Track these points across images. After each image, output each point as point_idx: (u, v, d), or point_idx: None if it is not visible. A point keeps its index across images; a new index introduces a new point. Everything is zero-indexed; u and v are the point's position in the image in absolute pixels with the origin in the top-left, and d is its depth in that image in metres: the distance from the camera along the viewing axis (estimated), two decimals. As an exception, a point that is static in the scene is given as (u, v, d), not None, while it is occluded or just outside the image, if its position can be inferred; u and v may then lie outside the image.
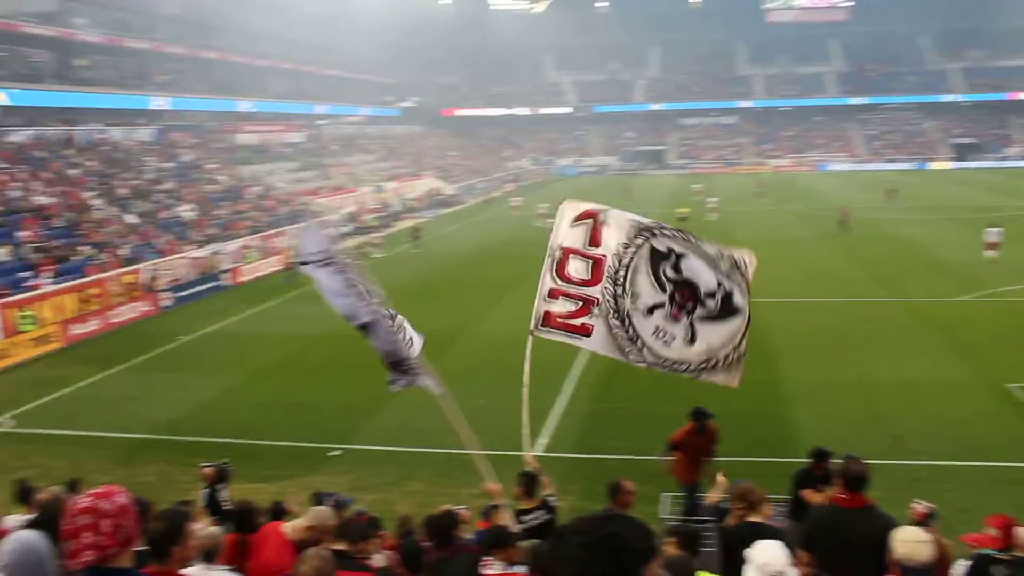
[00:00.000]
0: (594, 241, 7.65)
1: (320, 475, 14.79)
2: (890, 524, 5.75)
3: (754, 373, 18.88)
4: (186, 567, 4.24)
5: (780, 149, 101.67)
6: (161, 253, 34.07)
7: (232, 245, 38.07)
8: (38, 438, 17.72)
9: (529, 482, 8.51)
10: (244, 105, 67.10)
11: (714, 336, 7.59)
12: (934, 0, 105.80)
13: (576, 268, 7.70)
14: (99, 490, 3.32)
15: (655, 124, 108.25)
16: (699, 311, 7.46)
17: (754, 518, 6.89)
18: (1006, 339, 22.26)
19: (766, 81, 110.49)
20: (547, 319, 7.93)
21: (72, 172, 39.98)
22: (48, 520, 4.64)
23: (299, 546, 6.03)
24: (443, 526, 7.06)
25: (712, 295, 7.43)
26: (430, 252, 40.83)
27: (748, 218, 49.73)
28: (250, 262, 37.62)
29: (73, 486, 10.84)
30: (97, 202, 37.33)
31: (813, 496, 9.26)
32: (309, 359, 23.11)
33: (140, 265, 31.75)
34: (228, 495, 11.08)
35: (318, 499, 9.91)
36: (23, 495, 9.17)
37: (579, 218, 7.71)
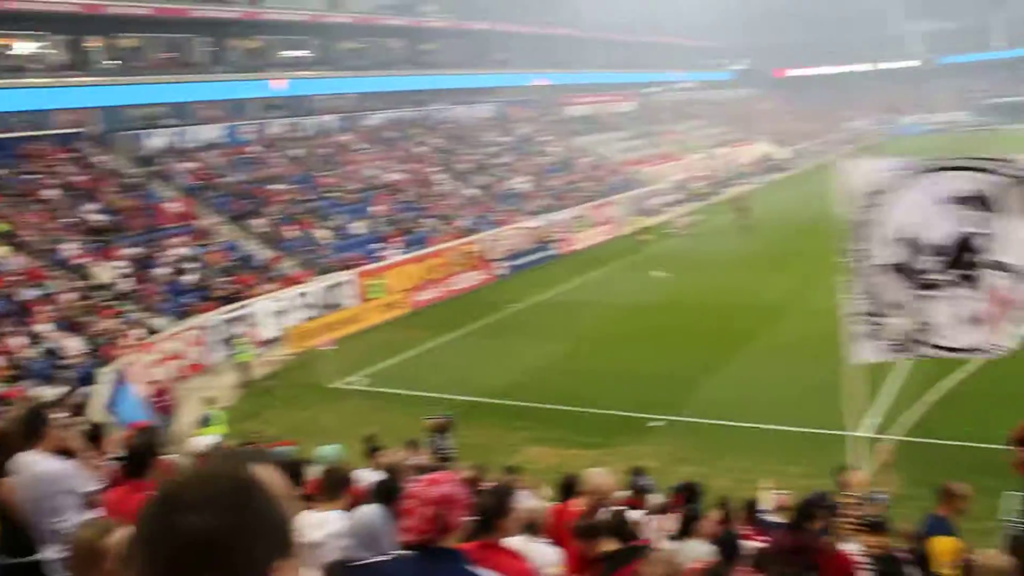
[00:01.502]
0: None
1: (641, 445, 14.79)
2: None
3: None
4: (509, 539, 4.37)
5: None
6: (497, 224, 35.70)
7: (564, 215, 39.07)
8: (385, 396, 19.24)
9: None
10: (575, 78, 68.53)
11: None
12: None
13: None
14: (431, 476, 3.58)
15: (1015, 72, 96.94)
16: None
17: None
18: None
19: None
20: None
21: (419, 150, 42.95)
22: (388, 489, 5.06)
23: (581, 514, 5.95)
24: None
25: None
26: (757, 221, 39.15)
27: None
28: (580, 231, 38.40)
29: (413, 445, 11.68)
30: (440, 177, 39.85)
31: None
32: (637, 328, 23.18)
33: (478, 235, 33.47)
34: (451, 443, 12.65)
35: (632, 478, 9.88)
36: (371, 452, 9.99)
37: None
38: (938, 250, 6.58)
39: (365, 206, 33.56)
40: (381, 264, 28.84)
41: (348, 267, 27.88)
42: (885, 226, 6.50)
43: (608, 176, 49.62)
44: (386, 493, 5.10)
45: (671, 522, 7.52)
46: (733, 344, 20.46)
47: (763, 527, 8.12)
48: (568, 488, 7.17)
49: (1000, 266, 6.46)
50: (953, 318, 6.63)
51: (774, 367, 18.20)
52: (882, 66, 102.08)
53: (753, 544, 6.87)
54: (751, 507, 8.82)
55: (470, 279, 30.96)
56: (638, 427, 15.85)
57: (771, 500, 9.46)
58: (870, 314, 6.70)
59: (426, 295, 28.90)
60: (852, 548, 6.55)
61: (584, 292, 28.99)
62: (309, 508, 5.09)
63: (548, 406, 17.35)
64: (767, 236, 35.18)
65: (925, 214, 6.53)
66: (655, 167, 54.52)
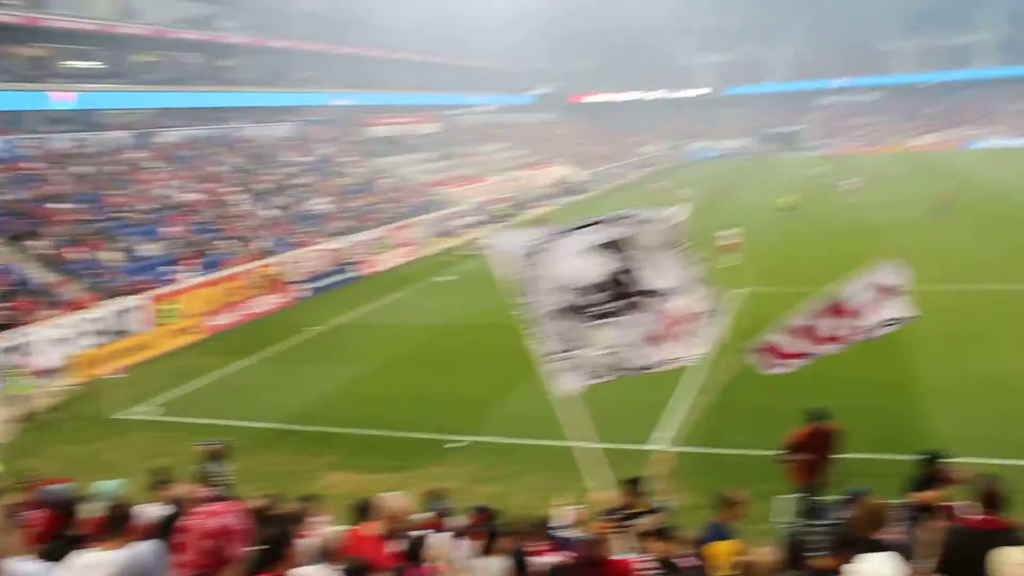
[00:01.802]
0: (868, 312, 8.25)
1: (441, 467, 15.03)
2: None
3: (883, 368, 18.41)
4: (298, 569, 4.41)
5: (923, 126, 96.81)
6: (297, 245, 35.25)
7: (365, 236, 39.03)
8: (179, 426, 18.63)
9: (636, 486, 8.44)
10: (378, 98, 68.58)
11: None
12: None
13: (831, 326, 8.25)
14: (210, 507, 3.53)
15: (792, 104, 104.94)
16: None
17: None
18: None
19: (910, 54, 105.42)
20: (768, 349, 8.57)
21: (216, 169, 41.81)
22: (165, 523, 4.99)
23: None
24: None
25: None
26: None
27: (890, 200, 47.58)
28: (381, 253, 38.47)
29: (203, 476, 11.46)
30: (238, 197, 38.92)
31: (926, 497, 8.83)
32: (436, 349, 23.50)
33: (277, 257, 32.94)
34: (226, 470, 12.30)
35: (431, 501, 10.08)
36: (158, 486, 9.69)
37: (880, 289, 8.24)
38: (597, 287, 7.54)
39: (157, 227, 32.34)
40: (175, 288, 27.85)
41: (139, 291, 26.77)
42: (544, 279, 7.36)
43: (409, 197, 49.94)
44: (163, 528, 5.01)
45: (470, 542, 7.73)
46: (530, 362, 21.02)
47: (558, 542, 8.45)
48: (362, 512, 7.28)
49: (653, 292, 7.49)
50: (633, 341, 7.56)
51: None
52: (674, 94, 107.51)
53: (546, 560, 7.17)
54: (545, 523, 9.16)
55: (269, 302, 30.41)
56: (438, 449, 16.08)
57: (566, 515, 9.84)
58: (561, 351, 7.49)
59: (223, 319, 28.15)
60: (634, 556, 6.96)
61: (384, 314, 29.08)
62: (87, 547, 4.97)
63: (349, 431, 17.34)
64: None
65: (575, 263, 7.53)
66: (457, 189, 55.29)
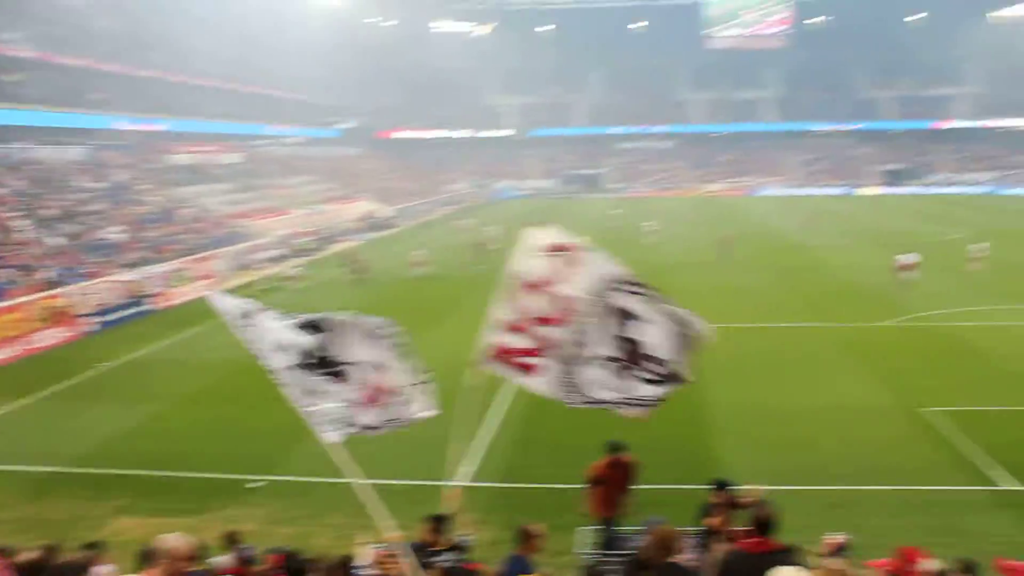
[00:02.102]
0: (563, 277, 7.17)
1: (239, 508, 14.56)
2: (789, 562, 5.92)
3: (678, 399, 19.27)
4: None
5: (715, 173, 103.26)
6: (87, 276, 33.40)
7: (161, 268, 37.45)
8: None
9: (439, 523, 8.50)
10: (180, 125, 66.20)
11: (642, 389, 7.29)
12: (866, 29, 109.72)
13: (538, 304, 7.25)
14: None
15: (593, 147, 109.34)
16: (639, 372, 7.16)
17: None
18: (922, 362, 22.87)
19: (703, 106, 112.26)
20: (496, 353, 7.57)
21: (-4, 192, 39.14)
22: None
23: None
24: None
25: (658, 362, 7.09)
26: (367, 276, 40.46)
27: (685, 242, 50.26)
28: (179, 286, 37.00)
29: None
30: (22, 223, 36.53)
31: (713, 522, 9.41)
32: (234, 386, 22.73)
33: (64, 289, 31.08)
34: None
35: (229, 544, 9.78)
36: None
37: (551, 249, 7.23)
38: (313, 349, 7.37)
39: (-72, 253, 29.93)
40: (-54, 320, 25.80)
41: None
42: (265, 340, 7.27)
43: (211, 229, 48.36)
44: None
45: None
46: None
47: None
48: (147, 558, 7.00)
49: (358, 363, 7.45)
50: (354, 401, 7.46)
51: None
52: (480, 134, 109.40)
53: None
54: (346, 563, 9.06)
55: (53, 336, 28.59)
56: (236, 489, 15.58)
57: (368, 555, 9.76)
58: (307, 403, 7.35)
59: (2, 354, 26.29)
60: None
61: (181, 349, 27.91)
62: None
63: (140, 472, 16.49)
64: (379, 289, 36.53)
65: (282, 333, 7.38)
66: (260, 221, 54.04)
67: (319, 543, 12.42)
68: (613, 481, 11.42)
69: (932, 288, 33.12)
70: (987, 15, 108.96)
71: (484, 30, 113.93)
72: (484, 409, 18.98)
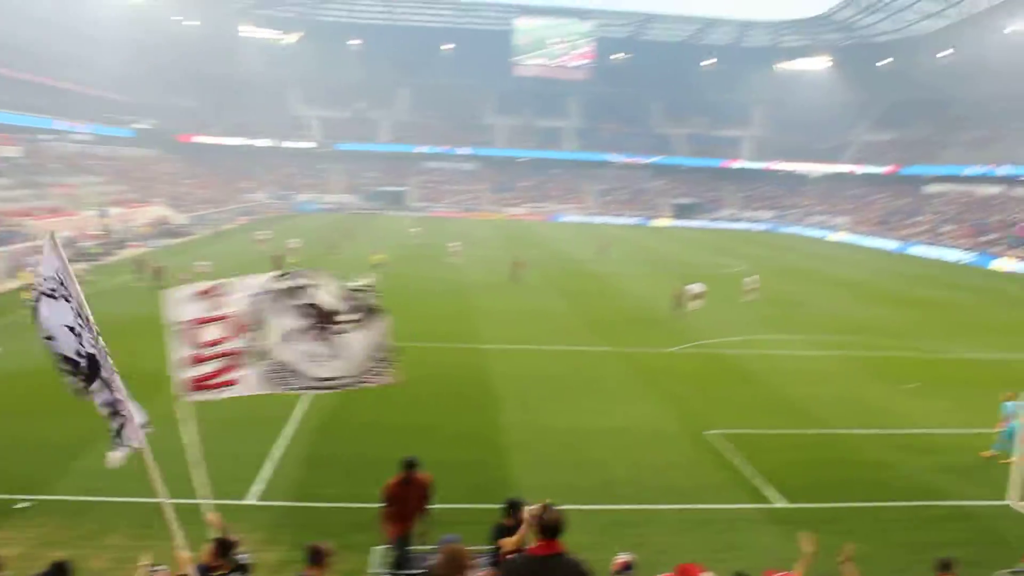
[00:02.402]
0: (219, 305, 8.31)
1: (5, 531, 13.45)
2: (578, 569, 6.21)
3: (473, 421, 19.63)
4: None
5: (517, 198, 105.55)
6: None
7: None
8: None
9: (221, 545, 8.21)
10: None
11: (356, 346, 8.36)
12: (664, 70, 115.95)
13: (211, 332, 8.26)
14: None
15: (397, 165, 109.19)
16: (336, 327, 8.29)
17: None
18: (705, 388, 24.10)
19: (508, 131, 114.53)
20: (192, 384, 8.33)
21: None
22: None
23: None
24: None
25: (339, 313, 8.29)
26: (156, 284, 38.56)
27: (488, 263, 50.96)
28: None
29: None
30: None
31: (508, 543, 9.51)
32: (18, 396, 21.07)
33: None
34: None
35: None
36: None
37: (199, 294, 8.36)
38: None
39: None
40: None
41: None
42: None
43: (-17, 226, 44.87)
44: None
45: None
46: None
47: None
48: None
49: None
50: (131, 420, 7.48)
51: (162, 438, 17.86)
52: (284, 144, 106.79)
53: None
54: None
55: None
56: (3, 510, 14.41)
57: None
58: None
59: None
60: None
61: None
62: None
63: None
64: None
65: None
66: (42, 221, 50.60)
67: (96, 566, 11.73)
68: (407, 499, 11.34)
69: (715, 317, 35.10)
70: (773, 66, 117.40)
71: (291, 39, 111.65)
72: (274, 426, 18.54)
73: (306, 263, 46.08)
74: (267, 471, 16.22)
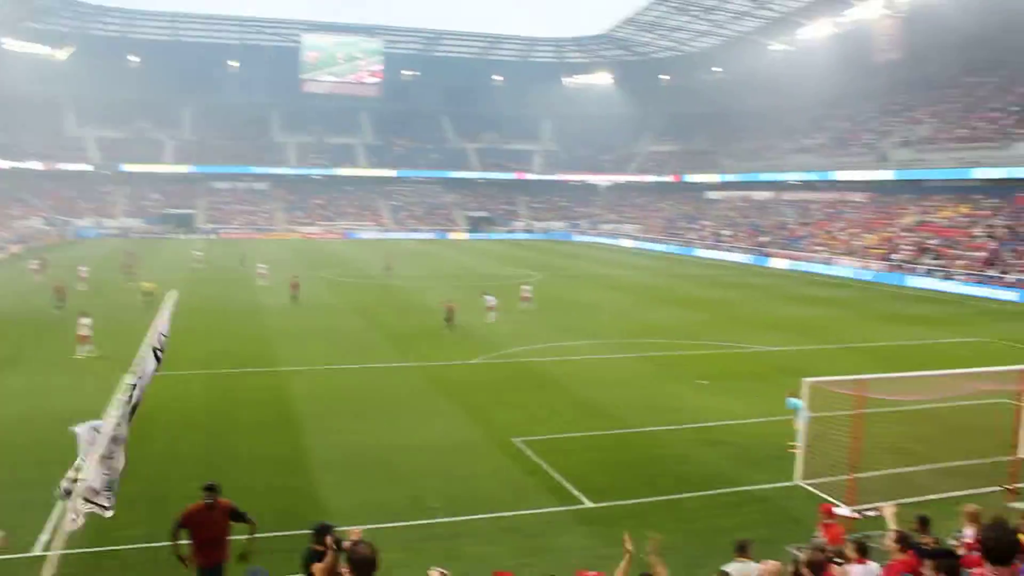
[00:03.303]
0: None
1: None
2: None
3: (276, 445, 19.03)
4: None
5: (311, 216, 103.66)
6: None
7: None
8: None
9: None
10: None
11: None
12: (454, 85, 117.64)
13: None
14: None
15: (185, 187, 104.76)
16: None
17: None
18: (508, 397, 24.38)
19: (299, 148, 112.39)
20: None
21: None
22: None
23: None
24: None
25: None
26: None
27: (276, 284, 49.65)
28: None
29: None
30: None
31: (318, 570, 9.19)
32: None
33: None
34: None
35: None
36: None
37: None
38: None
39: None
40: None
41: None
42: None
43: None
44: None
45: None
46: None
47: None
48: None
49: None
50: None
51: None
52: (58, 166, 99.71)
53: None
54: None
55: None
56: None
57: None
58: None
59: None
60: None
61: None
62: None
63: None
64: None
65: None
66: None
67: None
68: (209, 526, 10.78)
69: (514, 327, 35.71)
70: (560, 81, 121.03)
71: (62, 55, 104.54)
72: (61, 467, 17.25)
73: (94, 292, 43.45)
74: (56, 516, 14.96)
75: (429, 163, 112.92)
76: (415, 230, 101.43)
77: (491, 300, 36.83)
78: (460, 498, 16.25)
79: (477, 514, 15.41)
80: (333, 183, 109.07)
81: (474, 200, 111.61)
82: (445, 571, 8.53)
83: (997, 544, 5.26)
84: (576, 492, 16.59)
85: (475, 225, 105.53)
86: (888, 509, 10.01)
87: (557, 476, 17.51)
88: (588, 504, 16.06)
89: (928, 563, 6.22)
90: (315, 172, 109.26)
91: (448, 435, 20.50)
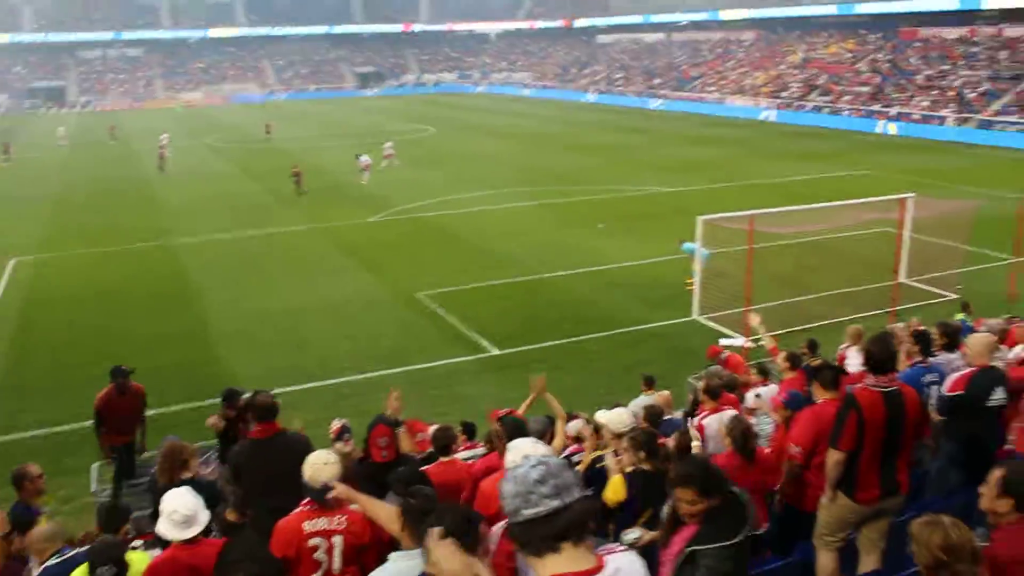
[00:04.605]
0: None
1: None
2: (302, 445, 6.27)
3: (176, 321, 18.72)
4: None
5: (193, 82, 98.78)
6: None
7: None
8: None
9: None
10: None
11: None
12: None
13: None
14: None
15: (50, 56, 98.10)
16: None
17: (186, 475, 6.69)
18: (410, 253, 24.37)
19: (173, 10, 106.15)
20: None
21: None
22: None
23: None
24: None
25: None
26: None
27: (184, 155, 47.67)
28: None
29: None
30: None
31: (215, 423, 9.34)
32: None
33: None
34: None
35: None
36: None
37: None
38: None
39: None
40: None
41: None
42: None
43: None
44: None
45: None
46: None
47: None
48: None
49: None
50: None
51: None
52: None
53: None
54: None
55: None
56: None
57: None
58: None
59: None
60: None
61: None
62: None
63: None
64: None
65: None
66: None
67: None
68: (122, 409, 10.66)
69: (410, 182, 35.37)
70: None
71: None
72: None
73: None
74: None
75: (311, 18, 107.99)
76: (302, 90, 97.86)
77: (364, 160, 36.04)
78: (368, 356, 16.40)
79: (385, 369, 15.56)
80: (212, 45, 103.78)
81: (360, 55, 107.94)
82: (345, 421, 8.75)
83: (879, 354, 5.59)
84: (483, 341, 16.89)
85: (364, 81, 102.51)
86: (755, 319, 10.53)
87: (463, 327, 17.76)
88: (495, 352, 16.40)
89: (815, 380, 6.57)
90: (192, 34, 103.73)
91: (353, 294, 20.49)
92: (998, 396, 6.67)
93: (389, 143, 41.69)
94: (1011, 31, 58.36)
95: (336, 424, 8.70)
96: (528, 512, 2.43)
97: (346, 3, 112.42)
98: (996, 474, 4.10)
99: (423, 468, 6.35)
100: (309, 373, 15.43)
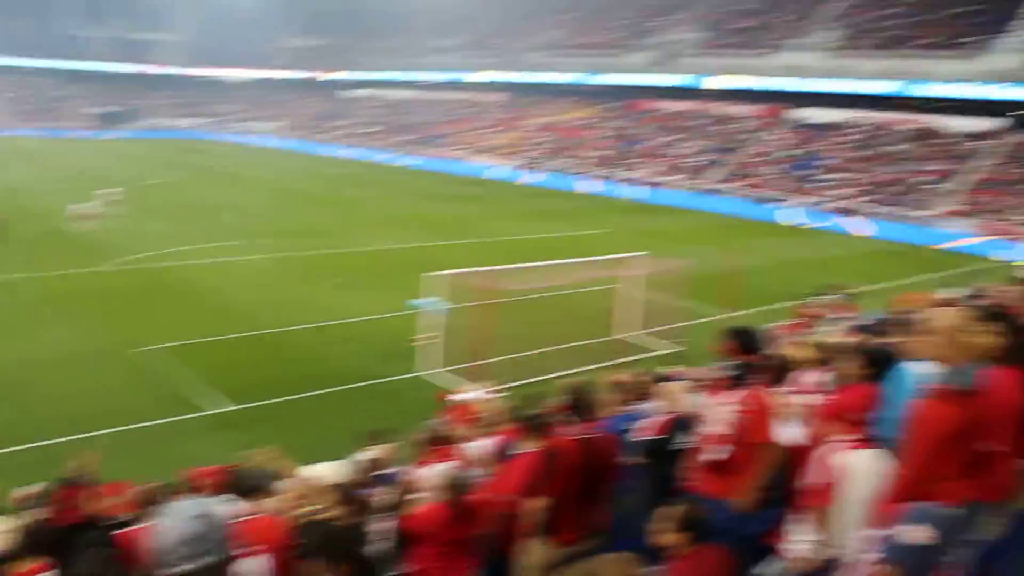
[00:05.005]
0: None
1: None
2: None
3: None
4: None
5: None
6: None
7: None
8: None
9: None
10: None
11: None
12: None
13: None
14: None
15: None
16: None
17: None
18: (137, 305, 23.05)
19: None
20: None
21: None
22: None
23: None
24: None
25: None
26: None
27: None
28: None
29: None
30: None
31: None
32: None
33: None
34: None
35: None
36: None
37: None
38: None
39: None
40: None
41: None
42: None
43: None
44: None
45: None
46: None
47: None
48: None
49: None
50: None
51: None
52: None
53: None
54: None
55: None
56: None
57: None
58: None
59: None
60: None
61: None
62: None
63: None
64: None
65: None
66: None
67: None
68: None
69: (143, 231, 33.56)
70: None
71: None
72: None
73: None
74: None
75: (44, 52, 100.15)
76: (31, 127, 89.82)
77: (86, 207, 33.89)
78: (80, 415, 15.08)
79: (98, 430, 14.32)
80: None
81: (100, 94, 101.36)
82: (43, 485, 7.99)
83: (579, 404, 5.92)
84: (211, 397, 16.21)
85: (103, 122, 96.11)
86: (474, 386, 10.91)
87: (190, 382, 16.94)
88: (224, 408, 15.76)
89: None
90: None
91: (68, 349, 19.00)
92: (685, 440, 7.09)
93: (119, 189, 39.41)
94: (728, 109, 64.28)
95: (18, 492, 7.94)
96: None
97: (87, 39, 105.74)
98: (673, 512, 4.37)
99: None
100: (15, 435, 14.04)
